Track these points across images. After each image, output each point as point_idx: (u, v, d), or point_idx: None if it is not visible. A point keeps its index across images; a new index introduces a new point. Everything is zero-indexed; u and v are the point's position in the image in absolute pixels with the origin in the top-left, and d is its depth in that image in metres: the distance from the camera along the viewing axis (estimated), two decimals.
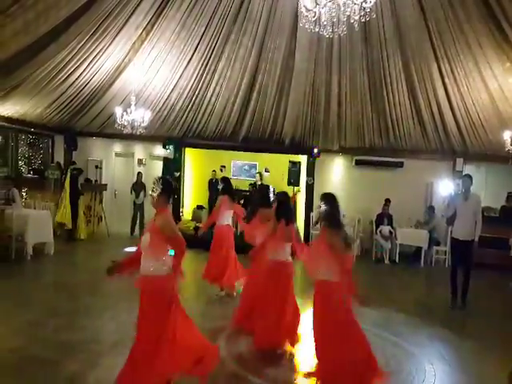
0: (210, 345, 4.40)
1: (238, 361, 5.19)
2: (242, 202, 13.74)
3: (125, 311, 6.51)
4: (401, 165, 13.46)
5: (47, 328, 5.81)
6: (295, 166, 13.29)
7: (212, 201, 14.71)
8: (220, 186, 8.16)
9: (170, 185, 4.32)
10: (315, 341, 4.53)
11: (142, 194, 14.05)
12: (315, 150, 13.38)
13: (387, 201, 12.73)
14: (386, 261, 12.19)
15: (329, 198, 4.63)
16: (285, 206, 5.77)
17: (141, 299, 4.06)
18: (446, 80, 10.93)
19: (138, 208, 14.07)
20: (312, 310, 4.55)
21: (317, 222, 4.82)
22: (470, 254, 7.92)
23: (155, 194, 4.21)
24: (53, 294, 7.45)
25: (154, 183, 4.26)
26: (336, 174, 14.13)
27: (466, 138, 12.53)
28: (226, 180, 8.28)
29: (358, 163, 13.71)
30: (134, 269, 4.21)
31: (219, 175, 14.78)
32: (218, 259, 7.81)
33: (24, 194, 11.33)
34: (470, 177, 8.07)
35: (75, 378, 4.46)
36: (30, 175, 14.05)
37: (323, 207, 4.56)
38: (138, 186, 14.06)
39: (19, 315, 6.20)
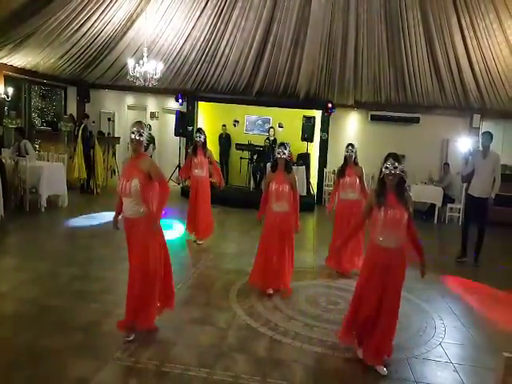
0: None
1: (249, 313, 5.26)
2: (255, 156, 13.71)
3: None
4: (417, 120, 13.23)
5: (63, 278, 5.92)
6: (309, 120, 13.14)
7: (221, 156, 14.72)
8: (202, 138, 8.00)
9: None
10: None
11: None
12: (329, 105, 13.20)
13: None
14: None
15: (399, 160, 4.00)
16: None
17: (132, 239, 4.32)
18: (466, 33, 10.62)
19: None
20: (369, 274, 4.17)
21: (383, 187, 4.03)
22: (485, 211, 7.86)
23: (142, 138, 4.26)
24: (67, 245, 7.55)
25: (138, 126, 4.27)
26: (351, 129, 13.95)
27: (484, 94, 12.22)
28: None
29: (374, 118, 13.49)
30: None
31: (230, 130, 14.71)
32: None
33: (37, 146, 11.34)
34: (490, 134, 7.88)
35: (90, 327, 4.55)
36: (43, 127, 14.03)
37: (398, 169, 3.94)
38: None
39: (35, 266, 6.30)
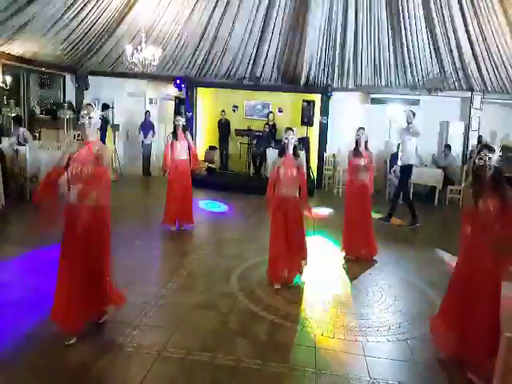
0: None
1: (250, 297, 5.29)
2: (255, 142, 13.67)
3: (140, 249, 6.64)
4: (417, 102, 13.13)
5: None
6: (309, 105, 13.07)
7: (221, 141, 14.69)
8: (182, 121, 7.92)
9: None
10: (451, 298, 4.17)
11: (150, 133, 14.00)
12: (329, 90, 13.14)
13: None
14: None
15: (494, 150, 3.81)
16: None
17: (80, 227, 3.98)
18: (466, 13, 10.50)
19: (147, 148, 14.07)
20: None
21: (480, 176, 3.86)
22: (409, 178, 9.82)
23: (93, 121, 4.09)
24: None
25: (88, 108, 4.07)
26: (351, 112, 13.83)
27: (485, 75, 12.11)
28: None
29: (374, 101, 13.40)
30: (54, 194, 4.21)
31: (230, 116, 14.67)
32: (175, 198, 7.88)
33: (37, 134, 11.31)
34: (413, 112, 9.40)
35: None
36: (42, 115, 13.98)
37: (494, 159, 3.76)
38: (146, 126, 13.98)
39: (36, 254, 6.34)
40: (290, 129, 5.79)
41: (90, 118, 4.05)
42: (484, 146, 3.89)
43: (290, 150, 5.73)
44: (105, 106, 12.91)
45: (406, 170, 9.50)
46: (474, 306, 3.83)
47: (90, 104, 4.21)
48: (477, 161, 3.84)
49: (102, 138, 12.37)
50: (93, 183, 4.03)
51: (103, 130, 12.49)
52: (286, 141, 5.70)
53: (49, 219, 4.22)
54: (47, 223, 4.22)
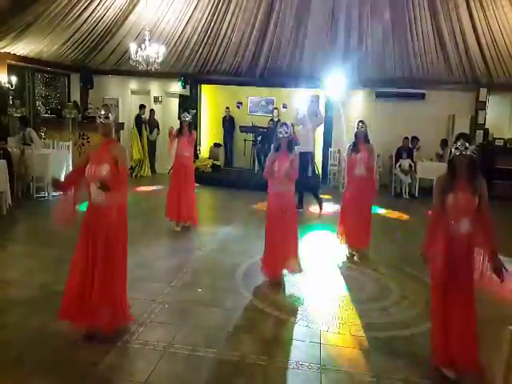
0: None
1: (255, 294, 5.30)
2: (259, 138, 13.66)
3: (145, 247, 6.66)
4: (422, 96, 13.06)
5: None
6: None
7: (226, 138, 14.71)
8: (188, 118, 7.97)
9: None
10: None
11: (155, 130, 14.05)
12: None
13: (414, 138, 12.47)
14: (405, 195, 12.11)
15: (471, 140, 3.75)
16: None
17: (96, 228, 4.12)
18: (472, 4, 10.43)
19: (152, 145, 14.11)
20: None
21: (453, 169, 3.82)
22: (309, 165, 9.86)
23: (109, 121, 4.12)
24: (75, 231, 7.59)
25: (105, 109, 4.12)
26: (356, 107, 13.78)
27: (491, 67, 12.05)
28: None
29: (379, 96, 13.35)
30: (77, 193, 4.24)
31: (234, 112, 14.67)
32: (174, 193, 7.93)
33: (42, 134, 11.35)
34: (317, 98, 9.91)
35: None
36: (47, 115, 14.03)
37: (469, 150, 3.67)
38: (151, 123, 14.03)
39: (43, 252, 6.36)
40: (284, 124, 5.80)
41: (106, 117, 4.10)
42: (461, 136, 3.79)
43: (285, 145, 5.72)
44: (142, 106, 13.99)
45: (305, 157, 9.38)
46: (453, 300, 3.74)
47: (106, 104, 4.27)
48: (453, 150, 3.76)
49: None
50: (109, 184, 4.01)
51: (140, 128, 13.73)
52: (281, 135, 5.68)
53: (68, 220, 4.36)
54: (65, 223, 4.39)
